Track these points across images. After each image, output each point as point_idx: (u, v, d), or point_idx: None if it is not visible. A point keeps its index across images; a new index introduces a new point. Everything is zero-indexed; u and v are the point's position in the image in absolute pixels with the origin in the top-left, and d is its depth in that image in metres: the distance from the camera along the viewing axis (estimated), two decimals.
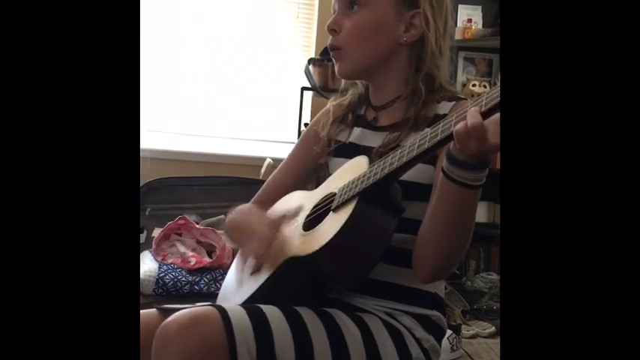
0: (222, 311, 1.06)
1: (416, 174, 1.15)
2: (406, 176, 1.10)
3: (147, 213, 2.94)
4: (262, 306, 1.12)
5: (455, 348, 2.69)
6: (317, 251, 1.09)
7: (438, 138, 0.98)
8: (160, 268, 2.48)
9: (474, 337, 2.98)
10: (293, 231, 1.24)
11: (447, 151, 1.01)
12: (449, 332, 2.61)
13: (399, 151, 1.06)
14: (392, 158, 1.06)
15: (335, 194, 1.18)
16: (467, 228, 1.07)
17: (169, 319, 1.06)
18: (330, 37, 1.31)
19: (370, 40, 1.28)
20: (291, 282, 1.19)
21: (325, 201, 1.21)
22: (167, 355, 1.02)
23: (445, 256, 1.10)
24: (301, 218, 1.25)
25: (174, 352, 1.02)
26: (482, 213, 3.61)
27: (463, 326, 2.94)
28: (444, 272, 1.15)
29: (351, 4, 1.27)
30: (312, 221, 1.21)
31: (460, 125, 0.94)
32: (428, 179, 1.20)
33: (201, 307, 1.08)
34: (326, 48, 1.35)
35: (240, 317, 1.06)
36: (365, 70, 1.31)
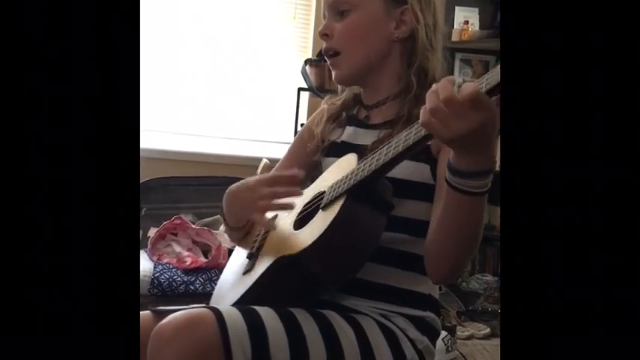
0: (216, 313, 1.06)
1: (409, 172, 1.15)
2: (399, 174, 1.11)
3: (143, 212, 2.94)
4: (257, 307, 1.12)
5: (450, 349, 2.69)
6: (304, 250, 1.09)
7: (423, 133, 0.98)
8: (155, 267, 2.48)
9: (468, 338, 2.99)
10: (284, 230, 1.25)
11: (447, 162, 1.01)
12: (444, 333, 2.62)
13: (385, 147, 1.06)
14: (379, 155, 1.07)
15: (324, 192, 1.18)
16: (475, 233, 1.07)
17: (164, 321, 1.06)
18: (324, 42, 1.33)
19: (364, 40, 1.29)
20: (282, 281, 1.19)
21: (315, 199, 1.22)
22: (162, 357, 1.02)
23: (455, 260, 1.10)
24: (292, 217, 1.26)
25: (170, 354, 1.02)
26: None
27: (458, 327, 2.94)
28: (456, 274, 1.17)
29: (340, 8, 1.29)
30: (302, 220, 1.21)
31: (422, 113, 0.93)
32: (421, 177, 1.20)
33: (195, 309, 1.08)
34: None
35: (234, 318, 1.07)
36: (363, 71, 1.32)
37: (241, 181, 1.36)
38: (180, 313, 1.06)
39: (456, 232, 1.06)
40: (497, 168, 0.88)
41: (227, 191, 1.39)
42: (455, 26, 3.63)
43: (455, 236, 1.07)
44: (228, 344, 1.03)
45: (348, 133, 1.36)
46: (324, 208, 1.14)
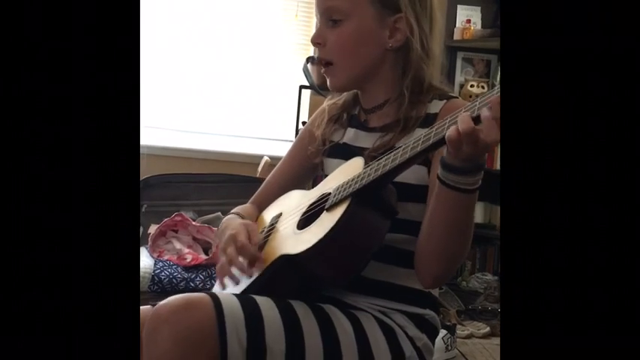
0: (214, 298, 1.07)
1: (407, 174, 1.15)
2: (398, 177, 1.11)
3: (143, 209, 2.94)
4: (255, 296, 1.12)
5: (449, 348, 2.69)
6: (307, 250, 1.09)
7: (431, 141, 0.99)
8: (155, 264, 2.48)
9: (468, 337, 2.98)
10: (287, 229, 1.25)
11: (441, 158, 1.02)
12: (443, 332, 2.62)
13: (393, 153, 1.07)
14: (385, 160, 1.07)
15: (330, 194, 1.18)
16: (466, 231, 1.08)
17: (162, 303, 1.07)
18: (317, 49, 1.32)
19: (357, 50, 1.27)
20: (282, 280, 1.19)
21: (320, 200, 1.22)
22: (158, 337, 1.03)
23: (447, 260, 1.11)
24: (296, 217, 1.26)
25: (165, 336, 1.02)
26: (479, 213, 3.62)
27: (458, 326, 2.94)
28: (446, 276, 1.16)
29: (333, 17, 1.27)
30: (306, 220, 1.21)
31: (452, 131, 0.95)
32: (420, 180, 1.20)
33: (194, 294, 1.09)
34: None
35: (232, 306, 1.07)
36: (356, 80, 1.31)
37: (232, 221, 1.34)
38: (178, 296, 1.07)
39: (447, 231, 1.07)
40: (498, 168, 0.89)
41: (223, 221, 1.38)
42: (457, 25, 3.63)
43: (446, 235, 1.08)
44: (223, 330, 1.04)
45: (350, 135, 1.36)
46: (329, 209, 1.15)
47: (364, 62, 1.28)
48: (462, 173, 1.00)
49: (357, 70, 1.29)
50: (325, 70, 1.31)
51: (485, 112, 0.92)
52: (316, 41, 1.30)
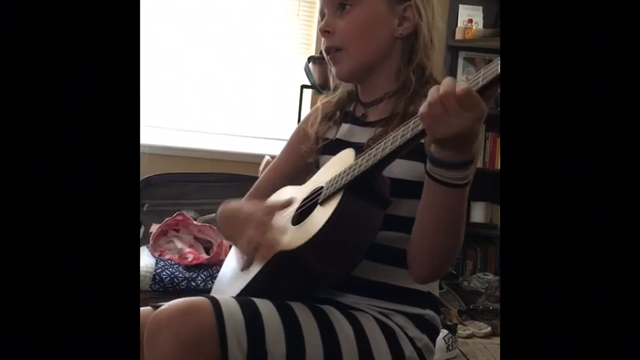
0: (214, 302, 1.07)
1: (404, 170, 1.15)
2: (394, 173, 1.11)
3: (145, 209, 2.94)
4: (255, 299, 1.12)
5: (451, 348, 2.69)
6: (303, 245, 1.09)
7: (419, 128, 0.99)
8: (156, 263, 2.48)
9: (469, 337, 2.99)
10: (283, 225, 1.25)
11: (428, 153, 1.01)
12: (445, 332, 2.62)
13: (383, 142, 1.06)
14: (376, 150, 1.07)
15: (322, 187, 1.18)
16: (457, 227, 1.07)
17: (162, 307, 1.07)
18: (324, 39, 1.31)
19: (368, 35, 1.27)
20: (281, 276, 1.19)
21: (313, 194, 1.22)
22: (158, 342, 1.03)
23: (437, 256, 1.10)
24: (291, 212, 1.26)
25: (165, 340, 1.02)
26: (481, 213, 3.62)
27: (459, 326, 2.94)
28: (438, 272, 1.16)
29: (342, 4, 1.27)
30: (301, 215, 1.21)
31: (422, 106, 0.95)
32: (416, 176, 1.19)
33: (194, 298, 1.08)
34: None
35: (232, 309, 1.07)
36: (364, 69, 1.30)
37: (236, 205, 1.35)
38: (178, 300, 1.07)
39: (436, 227, 1.07)
40: (497, 168, 0.89)
41: (221, 209, 1.38)
42: (459, 24, 3.63)
43: (434, 231, 1.07)
44: (224, 335, 1.03)
45: (344, 131, 1.35)
46: (323, 203, 1.14)
47: (374, 49, 1.28)
48: (449, 167, 0.99)
49: (366, 57, 1.29)
50: (332, 56, 1.30)
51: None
52: (325, 29, 1.29)
